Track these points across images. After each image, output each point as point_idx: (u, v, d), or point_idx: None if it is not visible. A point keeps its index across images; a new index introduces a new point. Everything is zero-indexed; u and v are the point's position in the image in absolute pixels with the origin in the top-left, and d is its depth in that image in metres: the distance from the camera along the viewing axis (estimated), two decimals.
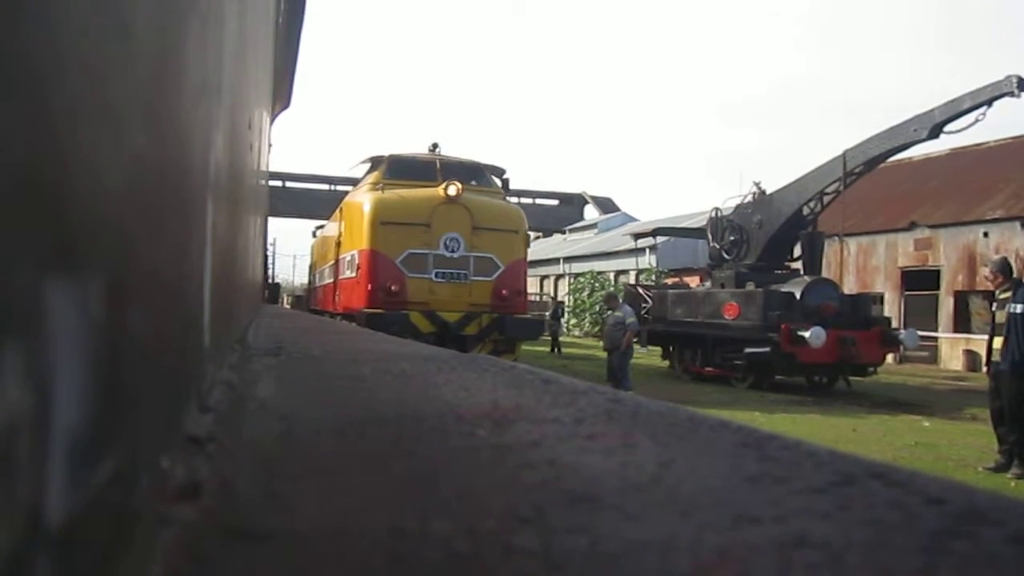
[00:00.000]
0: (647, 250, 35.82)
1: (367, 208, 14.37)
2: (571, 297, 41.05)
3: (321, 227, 25.14)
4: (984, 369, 9.18)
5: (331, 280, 18.29)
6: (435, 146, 16.66)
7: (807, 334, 14.50)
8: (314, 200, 44.89)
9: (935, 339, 25.41)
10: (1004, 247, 23.58)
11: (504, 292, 14.28)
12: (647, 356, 21.02)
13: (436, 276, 14.01)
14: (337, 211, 18.78)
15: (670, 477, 1.09)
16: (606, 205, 57.42)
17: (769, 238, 17.93)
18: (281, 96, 14.83)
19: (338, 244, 17.14)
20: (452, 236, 14.10)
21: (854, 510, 0.92)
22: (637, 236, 28.10)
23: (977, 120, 14.74)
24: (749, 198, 18.93)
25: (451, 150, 16.71)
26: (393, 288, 13.68)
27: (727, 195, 25.68)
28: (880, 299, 18.63)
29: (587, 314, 37.94)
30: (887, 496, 0.97)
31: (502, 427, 1.51)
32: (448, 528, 0.85)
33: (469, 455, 1.28)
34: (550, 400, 1.90)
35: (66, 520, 0.55)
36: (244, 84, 2.92)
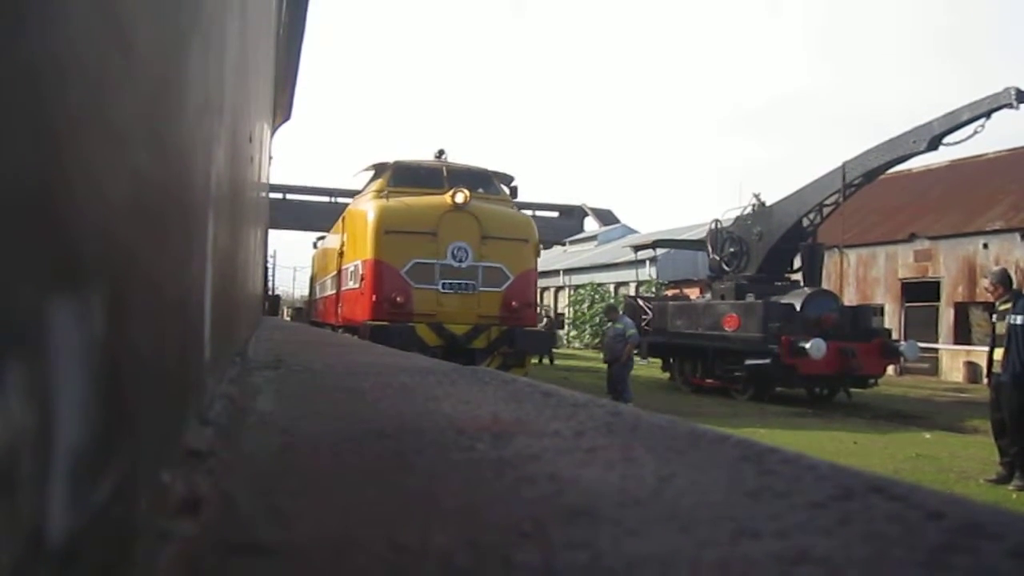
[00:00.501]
0: (647, 262, 35.86)
1: (371, 216, 13.86)
2: (571, 309, 41.03)
3: (322, 238, 24.64)
4: (985, 381, 9.16)
5: (333, 291, 17.78)
6: (441, 152, 16.11)
7: (807, 346, 14.49)
8: (314, 212, 44.94)
9: (936, 351, 25.38)
10: (1004, 258, 23.58)
11: (514, 304, 13.75)
12: (647, 368, 21.00)
13: (443, 287, 13.51)
14: (339, 220, 18.21)
15: (670, 491, 1.09)
16: (606, 217, 57.49)
17: (769, 250, 17.95)
18: (281, 108, 14.88)
19: (340, 254, 16.67)
20: (460, 245, 13.61)
21: (854, 524, 0.92)
22: (637, 248, 28.14)
23: (976, 132, 14.78)
24: (749, 210, 18.96)
25: (453, 160, 16.34)
26: (398, 299, 13.18)
27: (727, 207, 25.73)
28: (880, 311, 18.62)
29: (587, 326, 37.92)
30: (887, 510, 0.97)
31: (502, 440, 1.50)
32: (448, 542, 0.85)
33: (469, 468, 1.28)
34: (550, 413, 1.90)
35: (68, 536, 0.55)
36: (245, 98, 2.93)
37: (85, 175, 0.61)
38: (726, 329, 16.66)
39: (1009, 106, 14.03)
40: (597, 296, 37.67)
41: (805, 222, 17.65)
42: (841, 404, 15.62)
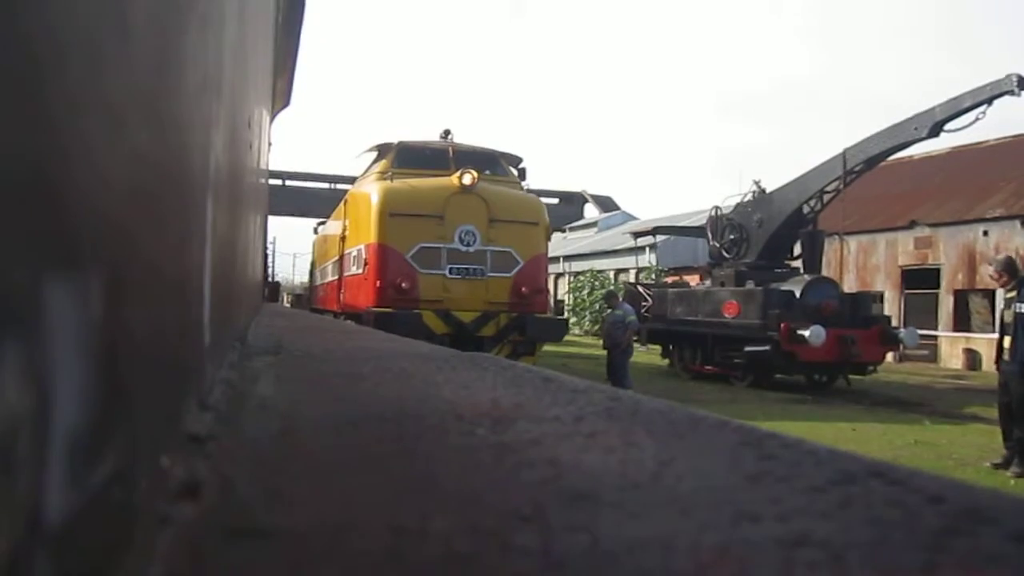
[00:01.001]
0: (647, 249, 35.84)
1: (375, 199, 13.20)
2: (571, 296, 41.04)
3: (323, 223, 24.06)
4: (994, 366, 9.17)
5: (335, 277, 17.20)
6: (447, 133, 15.35)
7: (807, 333, 14.50)
8: (314, 198, 44.85)
9: (935, 338, 25.41)
10: (1004, 245, 23.57)
11: (524, 289, 13.15)
12: (647, 354, 21.03)
13: (450, 272, 12.90)
14: (341, 204, 17.50)
15: (670, 475, 1.09)
16: (606, 204, 57.42)
17: (769, 237, 17.93)
18: (281, 94, 14.82)
19: (343, 239, 15.94)
20: (467, 229, 12.98)
21: (854, 508, 0.92)
22: (637, 235, 28.13)
23: (977, 119, 14.73)
24: (749, 197, 18.93)
25: (459, 141, 15.50)
26: (403, 285, 12.57)
27: (727, 194, 25.74)
28: (880, 298, 18.62)
29: (587, 313, 37.94)
30: (887, 494, 0.97)
31: (502, 425, 1.50)
32: (448, 526, 0.85)
33: (469, 453, 1.28)
34: (550, 398, 1.90)
35: (65, 519, 0.55)
36: (244, 82, 2.91)
37: (83, 156, 0.61)
38: (726, 316, 16.67)
39: (1010, 93, 13.98)
40: (597, 283, 37.65)
41: (805, 209, 17.62)
42: (840, 391, 15.64)
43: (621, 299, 15.85)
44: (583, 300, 38.90)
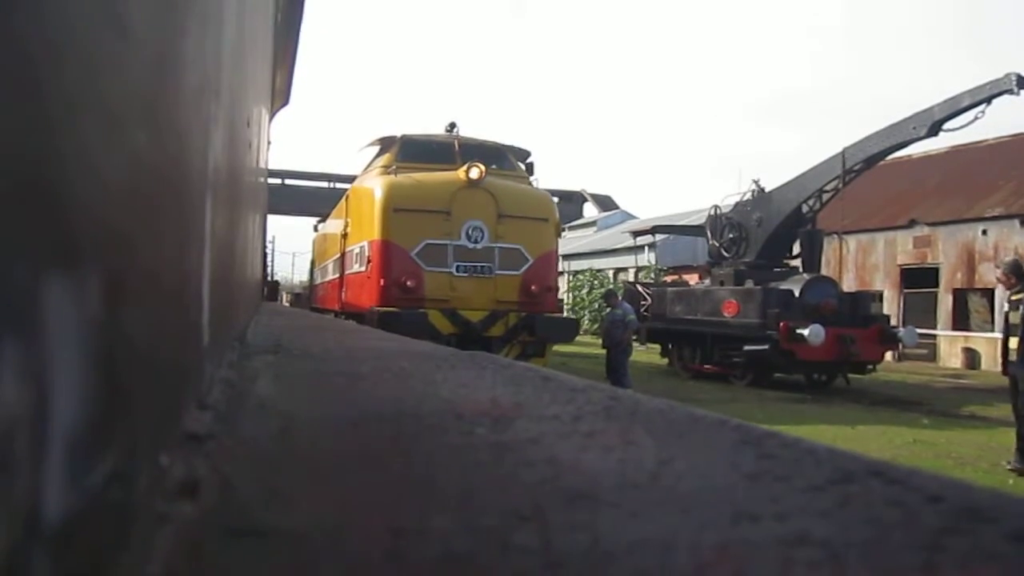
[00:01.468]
0: (646, 248, 35.83)
1: (378, 194, 12.61)
2: (570, 295, 41.03)
3: (323, 220, 23.52)
4: (1000, 369, 9.18)
5: (336, 276, 16.63)
6: (452, 126, 14.75)
7: (806, 332, 14.50)
8: (313, 197, 44.85)
9: (934, 337, 25.42)
10: (1003, 245, 23.60)
11: (533, 288, 12.64)
12: (646, 354, 21.03)
13: (457, 270, 12.40)
14: (343, 200, 16.92)
15: (669, 475, 1.09)
16: (605, 203, 57.43)
17: (768, 236, 17.93)
18: (280, 93, 14.80)
19: (344, 236, 15.38)
20: (475, 225, 12.48)
21: (853, 508, 0.92)
22: (636, 234, 28.13)
23: (976, 118, 14.73)
24: (748, 196, 18.93)
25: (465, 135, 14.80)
26: (409, 284, 12.06)
27: (726, 193, 25.80)
28: (879, 297, 18.62)
29: (586, 312, 37.94)
30: (886, 494, 0.97)
31: (501, 425, 1.50)
32: (447, 526, 0.85)
33: (468, 453, 1.28)
34: (549, 398, 1.90)
35: (64, 518, 0.55)
36: (243, 82, 2.91)
37: (82, 156, 0.61)
38: (725, 315, 16.67)
39: (1010, 92, 13.99)
40: (596, 282, 37.65)
41: (804, 208, 17.63)
42: (839, 390, 15.64)
43: (620, 298, 15.84)
44: (582, 299, 38.88)
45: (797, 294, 15.90)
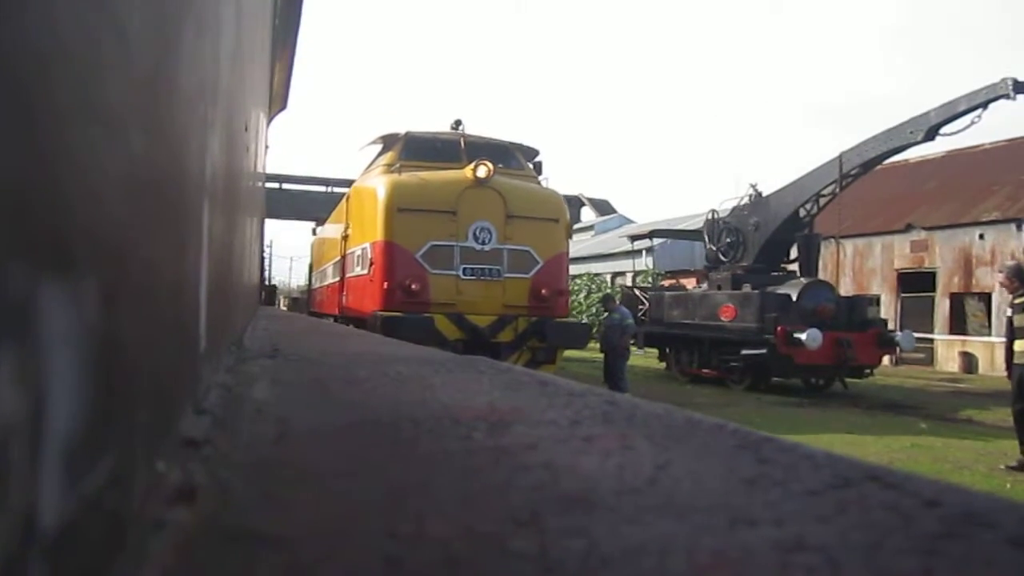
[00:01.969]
0: (644, 252, 35.84)
1: (381, 193, 11.96)
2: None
3: (322, 223, 22.74)
4: (1005, 373, 9.22)
5: (336, 279, 16.01)
6: (458, 123, 14.08)
7: (803, 336, 14.51)
8: (311, 202, 44.83)
9: (931, 341, 25.45)
10: (1000, 249, 23.65)
11: (544, 291, 12.05)
12: (644, 358, 21.02)
13: (464, 273, 11.81)
14: (343, 201, 16.28)
15: (667, 479, 1.09)
16: (603, 207, 57.46)
17: (765, 240, 17.96)
18: (278, 98, 14.80)
19: (345, 237, 14.78)
20: (482, 225, 11.88)
21: (851, 513, 0.92)
22: (634, 238, 28.11)
23: (973, 122, 14.77)
24: (745, 200, 18.96)
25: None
26: (413, 287, 11.46)
27: (723, 197, 25.81)
28: (876, 301, 18.69)
29: (584, 316, 37.95)
30: (884, 498, 0.97)
31: (499, 429, 1.50)
32: (445, 531, 0.85)
33: (465, 458, 1.28)
34: (546, 402, 1.90)
35: (60, 523, 0.55)
36: (240, 86, 2.91)
37: (80, 161, 0.61)
38: (722, 319, 16.68)
39: (1006, 96, 14.03)
40: (594, 286, 37.66)
41: (802, 212, 17.66)
42: (837, 394, 15.66)
43: (618, 302, 15.85)
44: (580, 303, 38.88)
45: (794, 298, 15.91)
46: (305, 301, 29.79)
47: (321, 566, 0.76)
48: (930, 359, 25.49)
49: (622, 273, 38.62)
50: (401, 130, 13.82)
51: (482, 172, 11.83)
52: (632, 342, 14.89)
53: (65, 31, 0.56)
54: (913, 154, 22.83)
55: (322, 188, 47.85)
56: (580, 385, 2.23)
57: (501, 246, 12.00)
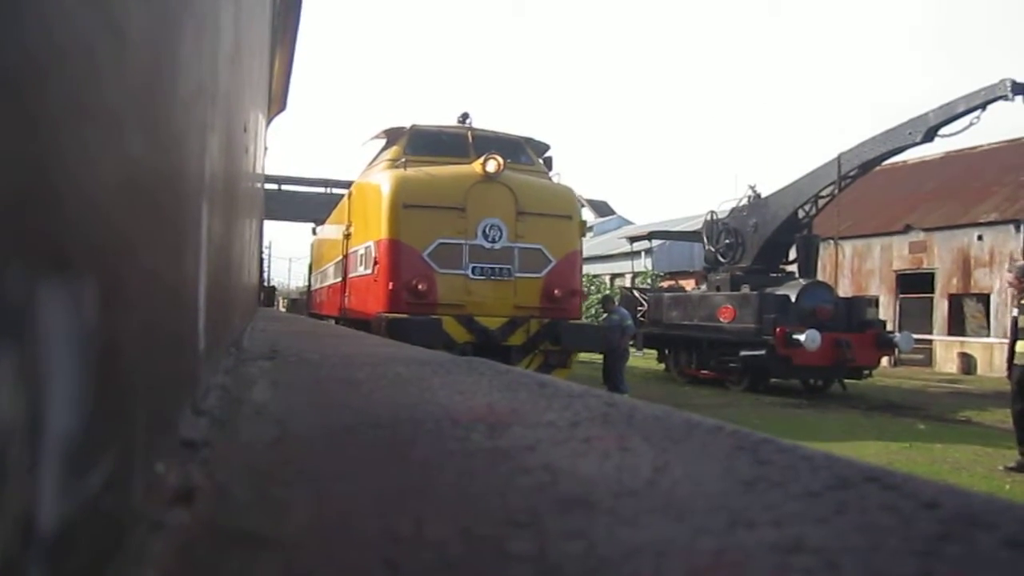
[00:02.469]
0: (643, 253, 35.87)
1: (386, 188, 11.42)
2: None
3: (322, 223, 22.17)
4: (1005, 373, 9.22)
5: (338, 280, 15.48)
6: (465, 116, 13.41)
7: (802, 337, 14.52)
8: (310, 203, 44.78)
9: (930, 342, 25.47)
10: (999, 250, 23.68)
11: (556, 292, 11.54)
12: (643, 359, 21.03)
13: (473, 272, 11.26)
14: (345, 198, 15.73)
15: (665, 481, 1.09)
16: (601, 208, 57.46)
17: (764, 241, 17.97)
18: (276, 99, 14.79)
19: (347, 236, 14.22)
20: (492, 223, 11.33)
21: (849, 514, 0.92)
22: (633, 239, 28.14)
23: (971, 124, 14.78)
24: (744, 201, 18.97)
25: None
26: (420, 287, 10.94)
27: (722, 198, 25.83)
28: (875, 302, 18.70)
29: (582, 317, 37.89)
30: (882, 500, 0.97)
31: (497, 431, 1.50)
32: (443, 532, 0.85)
33: (464, 459, 1.28)
34: (545, 404, 1.90)
35: (59, 525, 0.55)
36: (239, 87, 2.91)
37: (77, 162, 0.61)
38: (721, 320, 16.68)
39: (1004, 98, 14.04)
40: (593, 287, 37.67)
41: (801, 213, 17.67)
42: (836, 395, 15.67)
43: (617, 303, 15.87)
44: None
45: (793, 299, 15.91)
46: (304, 302, 29.67)
47: (319, 568, 0.76)
48: (929, 360, 25.51)
49: (621, 274, 38.63)
50: (405, 124, 13.24)
51: (492, 167, 11.30)
52: (631, 343, 14.89)
53: (63, 32, 0.56)
54: (912, 155, 22.88)
55: (321, 189, 47.83)
56: (579, 386, 2.23)
57: (512, 244, 11.45)
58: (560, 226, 11.87)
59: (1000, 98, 14.12)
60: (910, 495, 0.98)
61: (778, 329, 14.92)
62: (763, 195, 18.67)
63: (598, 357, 14.41)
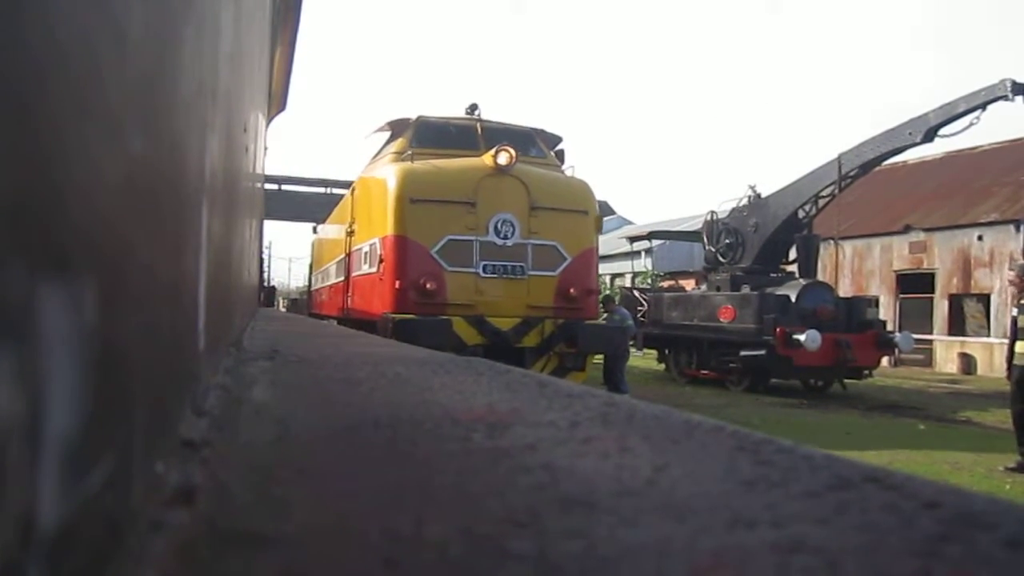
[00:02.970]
0: (643, 253, 35.87)
1: (392, 182, 10.79)
2: None
3: (323, 222, 21.76)
4: (1005, 373, 9.22)
5: (340, 279, 14.89)
6: (474, 107, 12.74)
7: (802, 337, 14.52)
8: (310, 203, 44.80)
9: (930, 342, 25.47)
10: (999, 250, 23.68)
11: (572, 291, 10.94)
12: (643, 359, 21.02)
13: (484, 270, 10.69)
14: (348, 194, 15.14)
15: (665, 481, 1.09)
16: (602, 208, 57.38)
17: (764, 241, 17.97)
18: (276, 99, 14.79)
19: (350, 234, 13.61)
20: (504, 218, 10.76)
21: (850, 514, 0.92)
22: (633, 239, 28.14)
23: (971, 124, 14.79)
24: (744, 201, 18.97)
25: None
26: (428, 286, 10.38)
27: (722, 199, 25.84)
28: (875, 302, 18.70)
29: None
30: (883, 500, 0.97)
31: (497, 431, 1.50)
32: (443, 532, 0.85)
33: (464, 459, 1.28)
34: (545, 404, 1.90)
35: (59, 525, 0.55)
36: (239, 87, 2.91)
37: (78, 162, 0.61)
38: (721, 320, 16.69)
39: (1004, 98, 14.05)
40: None
41: (801, 214, 17.68)
42: (836, 395, 15.67)
43: (617, 303, 15.87)
44: None
45: (793, 299, 15.92)
46: (305, 302, 29.61)
47: (319, 568, 0.76)
48: (929, 360, 25.51)
49: (621, 274, 38.66)
50: (411, 115, 12.61)
51: (503, 159, 10.72)
52: (631, 343, 14.88)
53: (63, 32, 0.56)
54: (912, 155, 22.87)
55: (321, 189, 47.83)
56: (579, 386, 2.23)
57: (525, 241, 10.88)
58: (576, 222, 11.30)
59: (1000, 98, 14.13)
60: (910, 495, 0.98)
61: (778, 329, 14.92)
62: (763, 195, 18.68)
63: (599, 357, 14.39)
